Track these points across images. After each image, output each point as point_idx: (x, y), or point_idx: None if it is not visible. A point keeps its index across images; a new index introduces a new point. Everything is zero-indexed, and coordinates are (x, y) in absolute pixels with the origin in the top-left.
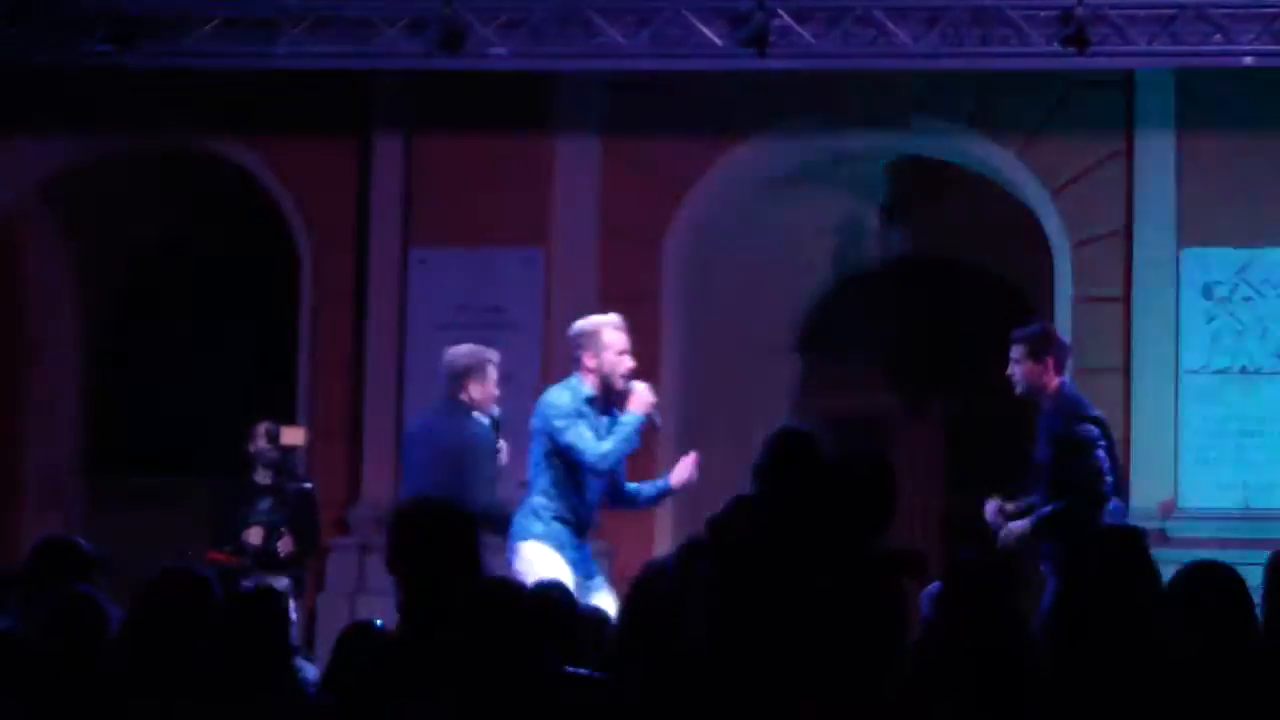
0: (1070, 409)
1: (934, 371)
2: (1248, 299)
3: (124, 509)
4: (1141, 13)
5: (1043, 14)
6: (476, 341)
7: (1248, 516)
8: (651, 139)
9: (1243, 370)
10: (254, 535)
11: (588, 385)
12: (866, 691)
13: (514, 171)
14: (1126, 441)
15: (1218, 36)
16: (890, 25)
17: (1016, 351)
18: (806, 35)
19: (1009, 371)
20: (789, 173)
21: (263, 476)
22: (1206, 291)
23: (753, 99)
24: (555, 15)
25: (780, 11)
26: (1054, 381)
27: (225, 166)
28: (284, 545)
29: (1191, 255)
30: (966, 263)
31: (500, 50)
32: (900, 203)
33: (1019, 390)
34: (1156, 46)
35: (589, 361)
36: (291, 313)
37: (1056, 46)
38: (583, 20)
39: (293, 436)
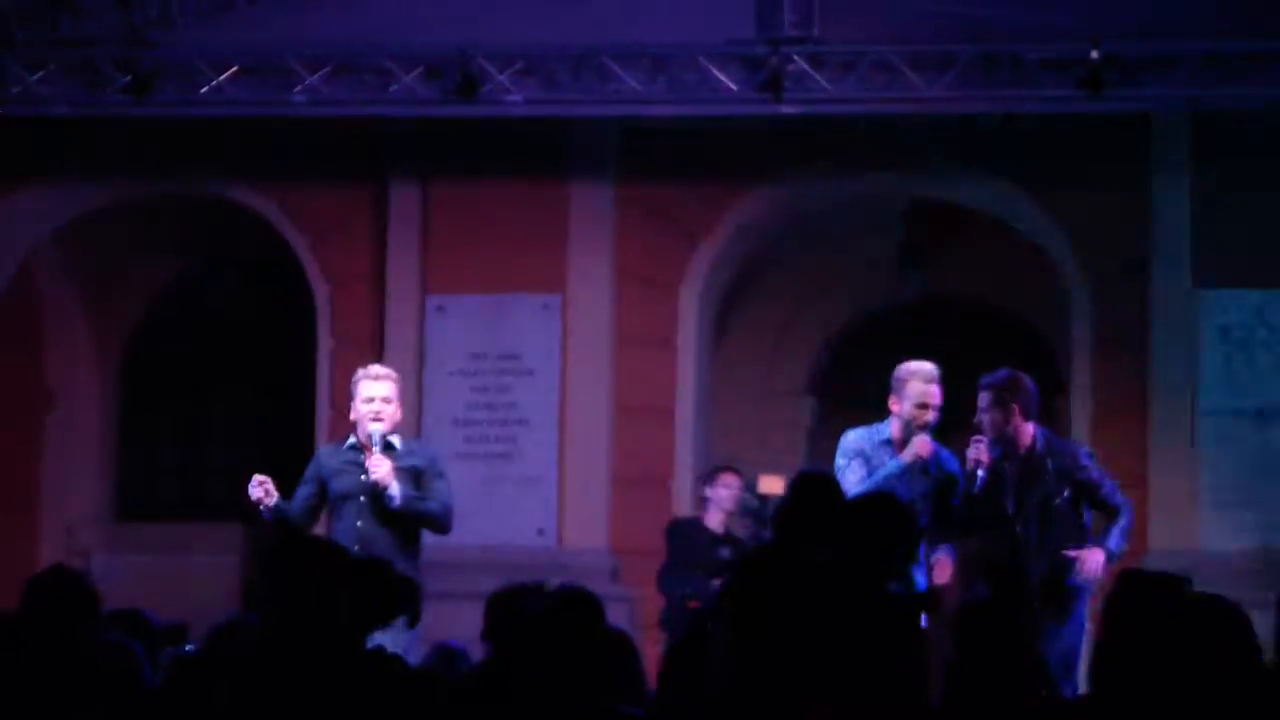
0: (1070, 448)
1: (952, 413)
2: (1265, 341)
3: (143, 555)
4: (1156, 55)
5: (1057, 57)
6: (494, 388)
7: (1267, 557)
8: (667, 184)
9: (1260, 412)
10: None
11: (892, 427)
12: None
13: (530, 218)
14: (1145, 483)
15: (1229, 78)
16: (905, 70)
17: (983, 399)
18: (822, 80)
19: (976, 420)
20: (805, 217)
21: (715, 522)
22: (1224, 333)
23: (768, 144)
24: (570, 62)
25: (795, 56)
26: (1026, 429)
27: (242, 213)
28: None
29: (1209, 296)
30: (984, 304)
31: (515, 97)
32: (917, 245)
33: (990, 438)
34: (1170, 89)
35: (893, 406)
36: (309, 359)
37: (1071, 89)
38: (598, 66)
39: (771, 485)
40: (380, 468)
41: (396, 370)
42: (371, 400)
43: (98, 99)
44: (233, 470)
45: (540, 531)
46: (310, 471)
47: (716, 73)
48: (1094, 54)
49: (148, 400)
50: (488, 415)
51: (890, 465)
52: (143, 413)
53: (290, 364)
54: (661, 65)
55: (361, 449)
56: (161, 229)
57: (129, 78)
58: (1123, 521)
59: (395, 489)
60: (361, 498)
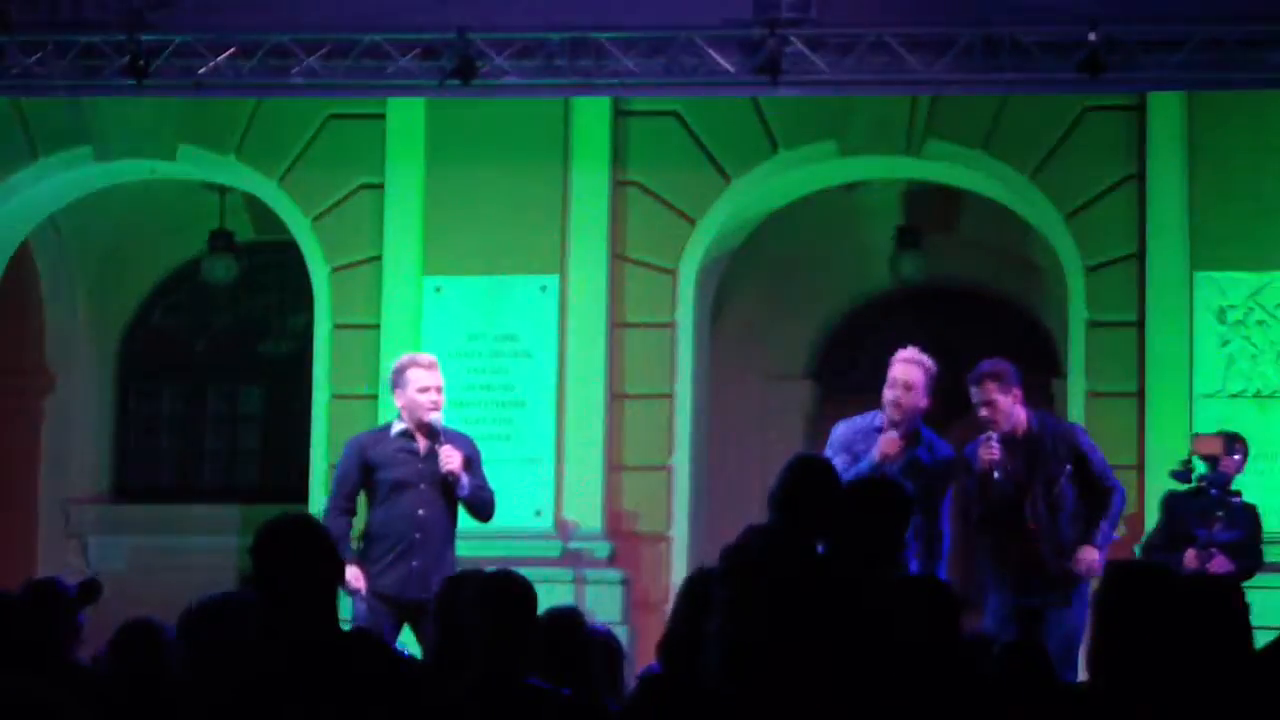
0: (1064, 425)
1: (949, 396)
2: (1261, 323)
3: (139, 537)
4: (1154, 38)
5: (1055, 39)
6: (491, 369)
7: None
8: (665, 167)
9: (1256, 394)
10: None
11: (884, 416)
12: (880, 715)
13: (528, 199)
14: (1141, 466)
15: (1227, 61)
16: (903, 52)
17: (985, 391)
18: (819, 62)
19: (984, 413)
20: (803, 200)
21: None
22: (1220, 315)
23: (766, 126)
24: (568, 43)
25: (793, 38)
26: (1021, 412)
27: (240, 194)
28: (1218, 564)
29: (1205, 279)
30: (980, 287)
31: (513, 78)
32: (914, 228)
33: (1002, 427)
34: (1168, 72)
35: (886, 394)
36: (307, 340)
37: (1069, 71)
38: (595, 48)
39: (1208, 445)
40: (454, 458)
41: (394, 351)
42: (428, 390)
43: (96, 80)
44: (229, 452)
45: (537, 513)
46: (352, 462)
47: (714, 54)
48: (1092, 36)
49: (145, 382)
50: (485, 396)
51: (861, 465)
52: (140, 395)
53: (289, 345)
54: (659, 47)
55: (413, 437)
56: (160, 211)
57: (127, 59)
58: (1112, 510)
59: (465, 478)
60: (422, 485)
